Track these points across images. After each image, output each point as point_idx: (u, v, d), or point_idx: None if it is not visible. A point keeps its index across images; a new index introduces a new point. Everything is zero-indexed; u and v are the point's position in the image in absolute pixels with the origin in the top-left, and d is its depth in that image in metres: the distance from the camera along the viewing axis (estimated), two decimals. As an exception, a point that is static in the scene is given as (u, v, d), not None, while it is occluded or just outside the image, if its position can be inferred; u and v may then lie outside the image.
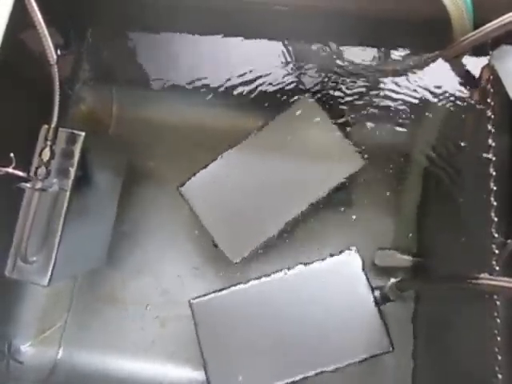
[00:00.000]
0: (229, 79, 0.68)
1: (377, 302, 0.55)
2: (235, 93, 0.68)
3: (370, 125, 0.64)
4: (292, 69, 0.66)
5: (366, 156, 0.59)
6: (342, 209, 0.64)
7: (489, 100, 0.45)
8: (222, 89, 0.69)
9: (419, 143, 0.62)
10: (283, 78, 0.67)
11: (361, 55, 0.59)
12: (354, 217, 0.64)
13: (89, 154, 0.57)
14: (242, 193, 0.60)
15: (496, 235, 0.42)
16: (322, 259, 0.57)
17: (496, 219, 0.42)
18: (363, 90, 0.62)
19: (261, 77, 0.68)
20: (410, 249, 0.62)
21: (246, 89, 0.68)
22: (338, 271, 0.57)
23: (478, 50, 0.47)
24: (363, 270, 0.56)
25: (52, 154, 0.51)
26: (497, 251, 0.42)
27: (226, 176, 0.60)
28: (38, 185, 0.50)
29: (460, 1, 0.42)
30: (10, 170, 0.47)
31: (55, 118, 0.51)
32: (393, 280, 0.54)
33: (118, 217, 0.63)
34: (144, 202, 0.66)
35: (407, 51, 0.55)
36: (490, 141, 0.44)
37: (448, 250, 0.55)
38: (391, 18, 0.49)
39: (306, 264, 0.57)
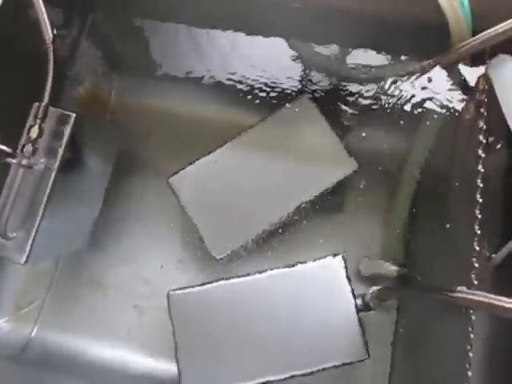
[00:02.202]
0: (231, 74, 0.68)
1: (358, 310, 0.54)
2: (236, 88, 0.68)
3: (366, 130, 0.63)
4: (295, 68, 0.66)
5: (360, 161, 0.59)
6: (333, 213, 0.63)
7: (482, 110, 0.43)
8: (223, 83, 0.68)
9: (414, 153, 0.61)
10: (286, 77, 0.67)
11: (360, 58, 0.58)
12: (343, 222, 0.63)
13: (81, 137, 0.58)
14: (231, 189, 0.59)
15: (477, 248, 0.41)
16: (306, 262, 0.56)
17: (479, 232, 0.41)
18: (361, 94, 0.61)
19: (263, 74, 0.67)
20: (396, 259, 0.60)
21: (248, 85, 0.68)
22: (321, 275, 0.56)
23: (476, 58, 0.46)
24: (347, 276, 0.55)
25: (40, 132, 0.51)
26: (477, 265, 0.41)
27: (216, 171, 0.60)
28: (24, 162, 0.50)
29: (458, 7, 0.41)
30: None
31: (47, 97, 0.52)
32: (374, 288, 0.53)
33: (107, 202, 0.63)
34: (134, 191, 0.65)
35: (406, 57, 0.54)
36: (480, 151, 0.43)
37: (433, 262, 0.54)
38: (391, 21, 0.48)
39: (289, 266, 0.56)
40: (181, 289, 0.56)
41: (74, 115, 0.52)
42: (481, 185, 0.42)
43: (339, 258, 0.56)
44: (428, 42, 0.48)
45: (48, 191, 0.51)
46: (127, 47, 0.69)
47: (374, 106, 0.62)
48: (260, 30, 0.64)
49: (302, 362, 0.53)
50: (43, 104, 0.51)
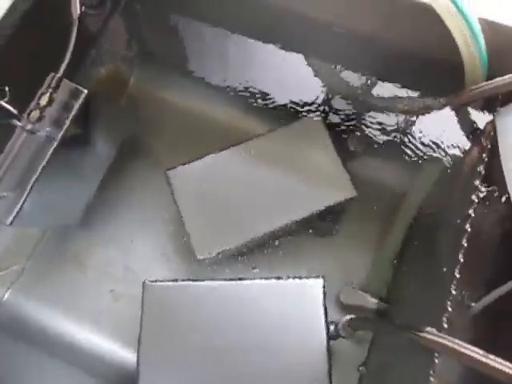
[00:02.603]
0: (249, 84, 0.69)
1: (328, 336, 0.53)
2: (251, 98, 0.69)
3: (370, 160, 0.63)
4: (312, 88, 0.66)
5: (359, 189, 0.58)
6: (323, 236, 0.63)
7: (484, 156, 0.43)
8: (240, 91, 0.69)
9: (412, 194, 0.61)
10: (302, 94, 0.67)
11: (375, 88, 0.58)
12: (332, 247, 0.63)
13: (93, 116, 0.59)
14: (226, 193, 0.59)
15: (454, 292, 0.40)
16: (286, 278, 0.56)
17: (458, 276, 0.40)
18: (372, 123, 0.61)
19: (280, 88, 0.68)
20: (379, 292, 0.59)
21: (264, 97, 0.68)
22: (299, 294, 0.55)
23: (489, 104, 0.46)
24: (324, 300, 0.54)
25: (50, 101, 0.52)
26: (450, 309, 0.40)
27: (215, 173, 0.60)
28: (28, 126, 0.51)
29: (475, 48, 0.41)
30: (3, 102, 0.49)
31: (62, 69, 0.53)
32: (347, 317, 0.52)
33: (104, 185, 0.63)
34: (133, 178, 0.66)
35: (418, 92, 0.54)
36: (473, 197, 0.42)
37: (413, 301, 0.53)
38: (407, 53, 0.48)
39: (268, 278, 0.56)
40: (158, 281, 0.56)
41: (85, 91, 0.53)
42: (469, 229, 0.41)
43: (320, 280, 0.55)
44: (441, 81, 0.48)
45: (46, 160, 0.52)
46: (155, 36, 0.71)
47: (382, 138, 0.62)
48: (293, 46, 0.65)
49: (263, 380, 0.52)
50: (58, 75, 0.52)
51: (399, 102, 0.54)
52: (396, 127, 0.61)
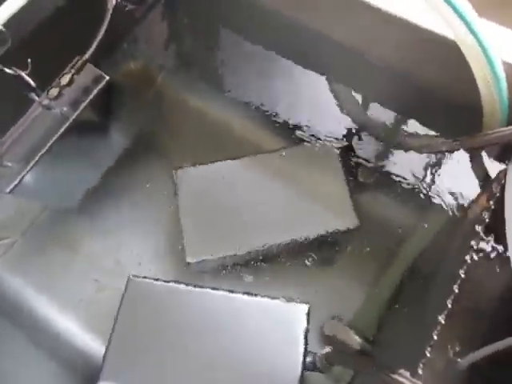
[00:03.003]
0: (274, 102, 0.69)
1: (304, 366, 0.51)
2: (273, 117, 0.69)
3: (378, 194, 0.61)
4: (333, 115, 0.66)
5: (363, 222, 0.57)
6: (319, 262, 0.61)
7: (491, 203, 0.41)
8: (264, 109, 0.70)
9: (416, 239, 0.59)
10: (322, 120, 0.67)
11: (392, 121, 0.58)
12: (326, 275, 0.61)
13: (113, 105, 0.60)
14: (227, 202, 0.59)
15: (435, 338, 0.38)
16: (272, 298, 0.54)
17: (443, 322, 0.38)
18: (385, 158, 0.60)
19: (302, 112, 0.68)
20: (366, 331, 0.57)
21: (285, 118, 0.68)
22: (282, 317, 0.53)
23: (504, 152, 0.44)
24: (306, 329, 0.53)
25: (70, 81, 0.53)
26: (429, 355, 0.38)
27: (221, 180, 0.60)
28: (45, 102, 0.52)
29: (496, 92, 0.40)
30: (23, 74, 0.50)
31: (88, 54, 0.54)
32: (326, 349, 0.50)
33: (109, 175, 0.64)
34: (141, 172, 0.65)
35: (435, 131, 0.53)
36: (473, 242, 0.40)
37: (397, 344, 0.50)
38: (429, 89, 0.47)
39: (254, 295, 0.54)
40: (143, 278, 0.56)
41: (107, 78, 0.54)
42: (462, 275, 0.40)
43: (305, 307, 0.53)
44: (460, 122, 0.47)
45: (56, 137, 0.53)
46: (193, 38, 0.72)
47: (394, 175, 0.61)
48: (323, 70, 0.65)
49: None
50: (83, 58, 0.54)
51: (416, 140, 0.53)
52: (408, 167, 0.60)
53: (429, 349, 0.38)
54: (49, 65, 0.52)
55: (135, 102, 0.66)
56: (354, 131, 0.63)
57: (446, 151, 0.49)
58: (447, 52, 0.42)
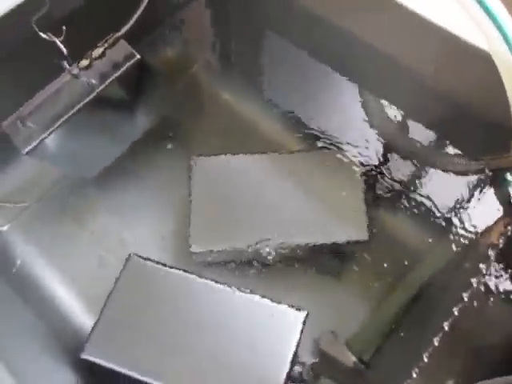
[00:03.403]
0: (304, 110, 0.69)
1: (289, 375, 0.49)
2: (306, 125, 0.68)
3: (394, 211, 0.60)
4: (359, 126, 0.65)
5: (374, 239, 0.56)
6: (324, 272, 0.59)
7: (509, 228, 0.39)
8: (296, 115, 0.69)
9: (425, 263, 0.56)
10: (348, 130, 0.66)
11: (420, 137, 0.56)
12: (329, 287, 0.59)
13: (143, 86, 0.61)
14: (239, 195, 0.58)
15: (426, 360, 0.36)
16: (271, 300, 0.53)
17: (436, 344, 0.36)
18: (408, 174, 0.58)
19: (330, 122, 0.67)
20: (362, 353, 0.54)
21: (318, 128, 0.67)
22: (277, 320, 0.52)
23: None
24: (299, 335, 0.51)
25: (102, 55, 0.54)
26: (415, 375, 0.35)
27: (236, 173, 0.60)
28: (75, 71, 0.54)
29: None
30: (57, 40, 0.51)
31: (123, 31, 0.55)
32: (313, 360, 0.48)
33: (127, 155, 0.64)
34: (159, 156, 0.66)
35: (461, 150, 0.51)
36: (481, 265, 0.38)
37: (390, 367, 0.48)
38: (459, 104, 0.45)
39: (253, 294, 0.53)
40: (144, 258, 0.56)
41: (138, 57, 0.55)
42: (465, 299, 0.37)
43: (303, 314, 0.52)
44: (488, 141, 0.44)
45: (80, 106, 0.54)
46: (235, 33, 0.73)
47: (414, 193, 0.58)
48: (366, 84, 0.64)
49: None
50: (117, 34, 0.55)
51: (441, 158, 0.51)
52: (430, 187, 0.58)
53: (416, 369, 0.36)
54: (83, 36, 0.54)
55: (165, 87, 0.67)
56: (380, 147, 0.62)
57: (472, 171, 0.47)
58: (480, 64, 0.40)
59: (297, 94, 0.70)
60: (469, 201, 0.55)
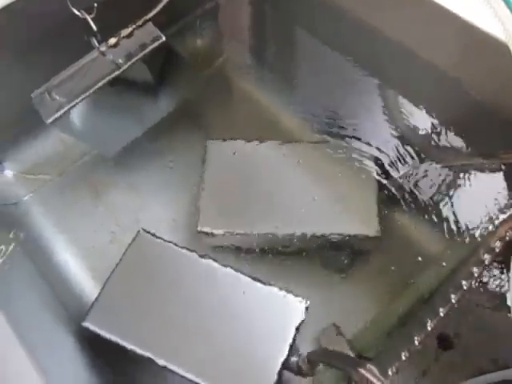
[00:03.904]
0: (329, 105, 0.69)
1: (285, 364, 0.49)
2: (328, 120, 0.68)
3: (408, 213, 0.59)
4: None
5: (386, 237, 0.55)
6: (330, 266, 0.59)
7: (508, 233, 0.38)
8: (317, 113, 0.70)
9: (435, 270, 0.55)
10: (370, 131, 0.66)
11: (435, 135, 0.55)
12: (336, 283, 0.59)
13: (168, 71, 0.63)
14: (252, 181, 0.59)
15: (416, 343, 0.35)
16: (273, 286, 0.53)
17: (429, 328, 0.36)
18: (419, 174, 0.58)
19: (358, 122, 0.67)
20: (363, 350, 0.53)
21: (339, 124, 0.68)
22: (278, 307, 0.52)
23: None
24: (299, 324, 0.51)
25: (129, 35, 0.57)
26: (404, 358, 0.35)
27: (251, 159, 0.61)
28: (102, 48, 0.57)
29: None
30: (89, 17, 0.54)
31: (152, 14, 0.58)
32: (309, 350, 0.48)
33: (149, 133, 0.66)
34: (178, 139, 0.69)
35: (474, 147, 0.50)
36: (485, 256, 0.37)
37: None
38: (475, 98, 0.45)
39: (255, 279, 0.53)
40: (153, 235, 0.57)
41: (163, 38, 0.57)
42: (464, 287, 0.37)
43: (304, 303, 0.52)
44: (503, 138, 0.44)
45: (104, 82, 0.56)
46: (267, 29, 0.75)
47: (427, 195, 0.58)
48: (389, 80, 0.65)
49: (202, 369, 0.49)
50: (146, 17, 0.57)
51: (459, 156, 0.50)
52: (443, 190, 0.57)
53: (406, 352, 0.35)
54: (113, 17, 0.56)
55: (191, 74, 0.69)
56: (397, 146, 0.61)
57: (488, 169, 0.46)
58: (496, 52, 0.39)
59: (321, 91, 0.71)
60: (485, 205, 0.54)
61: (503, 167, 0.44)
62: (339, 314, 0.57)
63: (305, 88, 0.72)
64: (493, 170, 0.46)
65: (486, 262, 0.38)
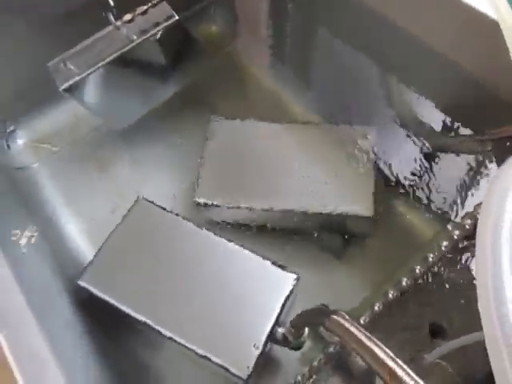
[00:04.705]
0: (340, 97, 0.72)
1: (271, 335, 0.50)
2: (333, 110, 0.71)
3: (404, 200, 0.61)
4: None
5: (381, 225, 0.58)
6: (324, 248, 0.61)
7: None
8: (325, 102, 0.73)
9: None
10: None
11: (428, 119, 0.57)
12: (330, 267, 0.61)
13: (180, 52, 0.67)
14: (252, 159, 0.62)
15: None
16: (265, 258, 0.55)
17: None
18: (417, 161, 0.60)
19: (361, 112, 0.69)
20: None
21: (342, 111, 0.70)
22: (269, 277, 0.53)
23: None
24: (288, 295, 0.52)
25: (144, 12, 0.61)
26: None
27: (251, 137, 0.63)
28: (118, 23, 0.61)
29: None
30: (106, -6, 0.58)
31: (168, -6, 0.62)
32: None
33: (157, 110, 0.70)
34: (184, 118, 0.72)
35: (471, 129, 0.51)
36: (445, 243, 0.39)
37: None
38: (470, 80, 0.47)
39: (251, 251, 0.55)
40: (152, 202, 0.59)
41: (176, 17, 0.61)
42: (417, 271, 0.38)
43: (293, 276, 0.53)
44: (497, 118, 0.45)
45: (115, 56, 0.60)
46: (279, 23, 0.77)
47: (424, 182, 0.60)
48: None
49: (192, 335, 0.51)
50: (161, -2, 0.61)
51: (452, 139, 0.52)
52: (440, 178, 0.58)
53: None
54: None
55: (202, 58, 0.72)
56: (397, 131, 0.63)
57: (479, 150, 0.47)
58: (488, 32, 0.42)
59: (330, 81, 0.73)
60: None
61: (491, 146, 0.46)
62: (331, 295, 0.58)
63: (315, 79, 0.75)
64: (484, 152, 0.47)
65: (455, 237, 0.39)
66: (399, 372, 0.30)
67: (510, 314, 0.28)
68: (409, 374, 0.30)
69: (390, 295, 0.38)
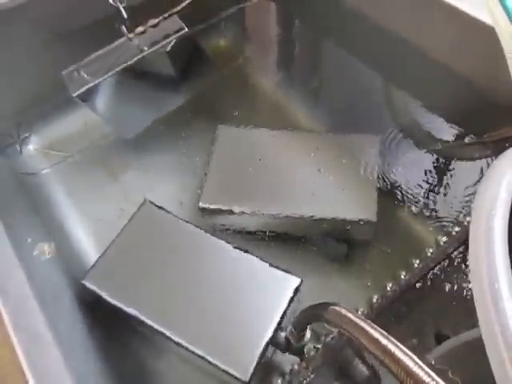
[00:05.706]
0: (343, 105, 0.74)
1: (272, 339, 0.51)
2: (335, 119, 0.74)
3: (408, 207, 0.62)
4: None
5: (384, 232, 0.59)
6: (331, 258, 0.62)
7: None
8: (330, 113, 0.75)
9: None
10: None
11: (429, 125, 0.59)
12: (332, 273, 0.62)
13: (189, 64, 0.70)
14: (257, 166, 0.64)
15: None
16: (268, 264, 0.56)
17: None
18: (419, 167, 0.61)
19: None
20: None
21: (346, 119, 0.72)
22: (271, 282, 0.55)
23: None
24: (291, 299, 0.53)
25: (156, 25, 0.65)
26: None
27: (258, 144, 0.66)
28: (130, 35, 0.64)
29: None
30: (120, 6, 0.61)
31: (178, 9, 0.66)
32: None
33: (166, 118, 0.73)
34: (192, 127, 0.75)
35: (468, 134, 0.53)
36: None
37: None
38: (467, 82, 0.48)
39: (255, 255, 0.57)
40: (158, 206, 0.61)
41: (186, 29, 0.65)
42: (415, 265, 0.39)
43: (297, 280, 0.55)
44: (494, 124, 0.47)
45: (126, 65, 0.64)
46: (287, 37, 0.81)
47: (427, 189, 0.61)
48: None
49: (195, 338, 0.52)
50: (173, 10, 0.65)
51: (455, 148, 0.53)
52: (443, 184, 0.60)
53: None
54: (143, 9, 0.64)
55: (211, 70, 0.76)
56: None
57: (480, 156, 0.49)
58: (484, 36, 0.43)
59: (334, 90, 0.76)
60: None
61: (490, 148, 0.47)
62: (334, 301, 0.59)
63: (322, 90, 0.78)
64: (485, 156, 0.49)
65: (454, 233, 0.40)
66: (398, 353, 0.31)
67: (505, 297, 0.29)
68: (402, 350, 0.31)
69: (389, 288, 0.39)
